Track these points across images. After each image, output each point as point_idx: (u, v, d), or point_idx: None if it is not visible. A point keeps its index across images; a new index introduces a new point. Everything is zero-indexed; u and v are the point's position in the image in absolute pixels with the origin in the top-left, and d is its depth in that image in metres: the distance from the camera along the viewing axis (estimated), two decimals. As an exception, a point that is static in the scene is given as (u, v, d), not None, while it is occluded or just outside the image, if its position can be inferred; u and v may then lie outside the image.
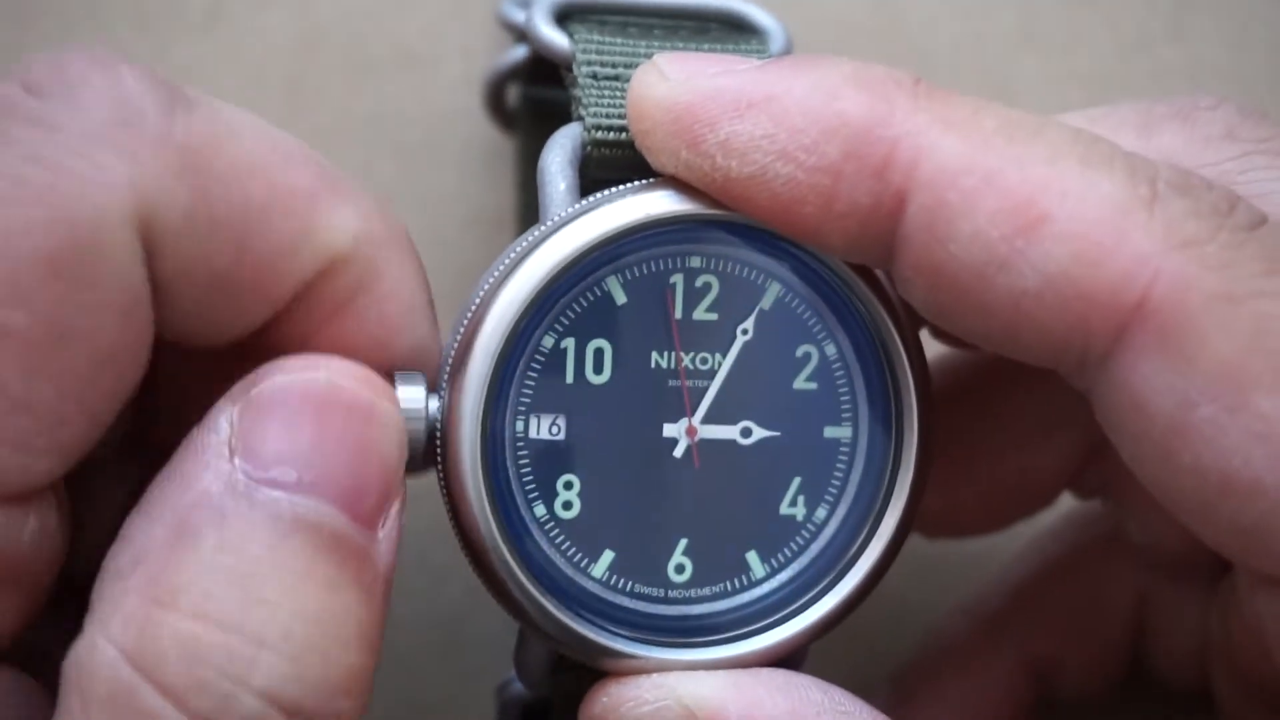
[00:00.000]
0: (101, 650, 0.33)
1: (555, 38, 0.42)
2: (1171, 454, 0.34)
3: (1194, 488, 0.34)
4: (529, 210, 0.48)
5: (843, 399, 0.40)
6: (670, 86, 0.37)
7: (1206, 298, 0.34)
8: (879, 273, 0.39)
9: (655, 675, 0.38)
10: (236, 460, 0.34)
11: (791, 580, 0.40)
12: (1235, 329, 0.34)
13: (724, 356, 0.39)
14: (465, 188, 0.52)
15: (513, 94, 0.49)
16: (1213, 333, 0.34)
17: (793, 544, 0.40)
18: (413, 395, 0.38)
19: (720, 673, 0.38)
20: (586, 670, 0.39)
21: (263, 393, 0.35)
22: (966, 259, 0.35)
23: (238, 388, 0.35)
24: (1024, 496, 0.47)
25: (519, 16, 0.45)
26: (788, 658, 0.40)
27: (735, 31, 0.44)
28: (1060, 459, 0.46)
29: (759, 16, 0.44)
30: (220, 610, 0.33)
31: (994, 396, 0.46)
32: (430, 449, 0.38)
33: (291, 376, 0.35)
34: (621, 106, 0.39)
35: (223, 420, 0.35)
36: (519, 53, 0.46)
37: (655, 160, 0.38)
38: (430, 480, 0.39)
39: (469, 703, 0.51)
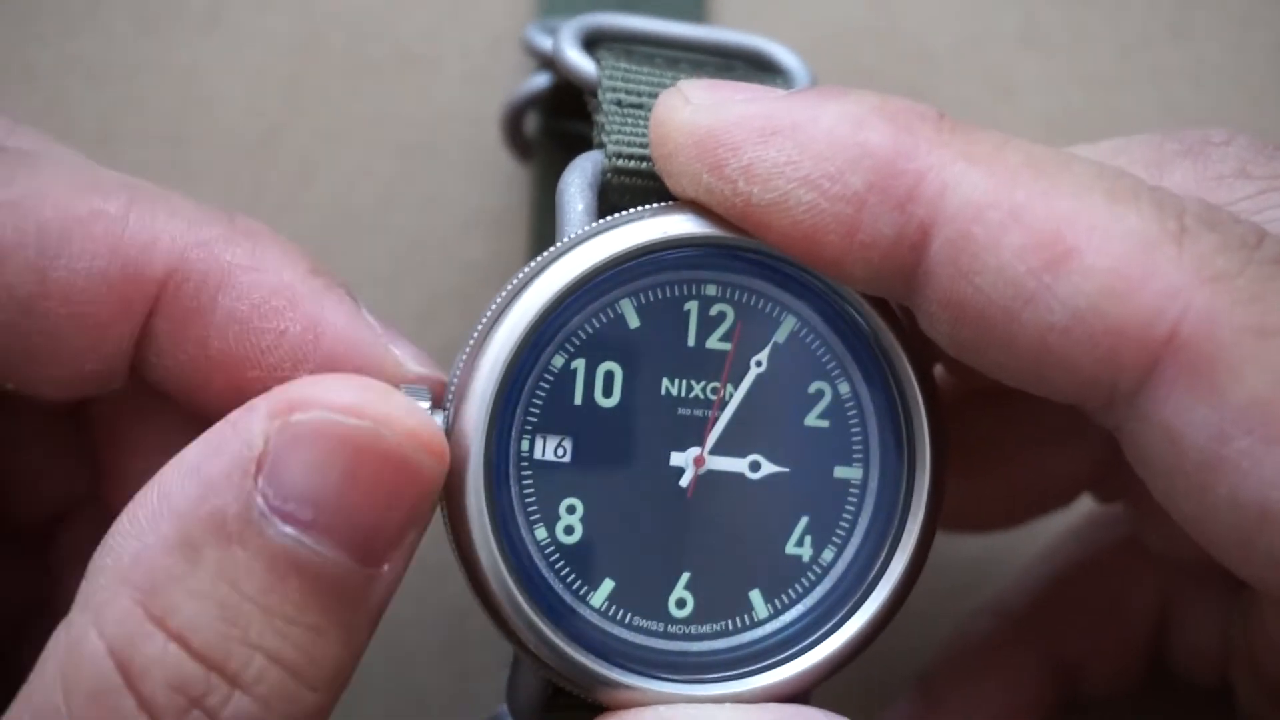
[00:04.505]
0: (92, 644, 0.34)
1: (581, 63, 0.41)
2: (1206, 488, 0.34)
3: (1230, 521, 0.34)
4: (544, 240, 0.48)
5: (854, 439, 0.39)
6: (694, 110, 0.37)
7: (1237, 330, 0.34)
8: (897, 311, 0.39)
9: (659, 707, 0.37)
10: (260, 480, 0.34)
11: (795, 621, 0.39)
12: (1267, 361, 0.33)
13: (735, 388, 0.39)
14: (465, 188, 0.52)
15: (530, 123, 0.49)
16: (1245, 365, 0.33)
17: (797, 585, 0.39)
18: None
19: (727, 705, 0.38)
20: (580, 709, 0.38)
21: (304, 423, 0.35)
22: (992, 294, 0.35)
23: (281, 398, 0.35)
24: (1041, 497, 0.47)
25: (544, 42, 0.45)
26: (792, 697, 0.39)
27: (759, 71, 0.44)
28: (1079, 464, 0.46)
29: (783, 56, 0.44)
30: (205, 644, 0.34)
31: (1014, 399, 0.46)
32: None
33: (336, 418, 0.35)
34: (644, 135, 0.39)
35: (257, 431, 0.35)
36: (540, 81, 0.46)
37: (675, 185, 0.38)
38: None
39: (469, 703, 0.51)
